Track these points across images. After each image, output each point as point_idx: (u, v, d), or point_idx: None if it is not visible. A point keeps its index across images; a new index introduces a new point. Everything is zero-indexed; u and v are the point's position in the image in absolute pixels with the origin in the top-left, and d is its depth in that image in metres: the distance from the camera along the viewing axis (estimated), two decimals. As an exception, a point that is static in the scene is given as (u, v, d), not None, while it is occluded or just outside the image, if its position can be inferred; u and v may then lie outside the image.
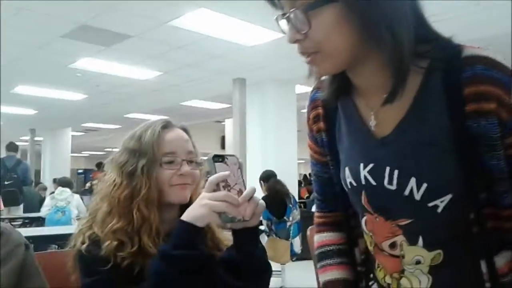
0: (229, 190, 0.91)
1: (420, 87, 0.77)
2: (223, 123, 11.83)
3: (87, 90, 8.02)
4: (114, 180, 1.07)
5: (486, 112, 0.71)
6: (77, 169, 19.76)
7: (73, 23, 4.66)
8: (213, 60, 6.06)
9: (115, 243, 0.99)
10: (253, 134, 7.15)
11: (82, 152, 21.57)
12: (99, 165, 11.56)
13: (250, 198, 0.92)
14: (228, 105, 8.98)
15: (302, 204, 7.63)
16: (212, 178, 0.91)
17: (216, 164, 0.92)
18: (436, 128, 0.75)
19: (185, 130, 1.16)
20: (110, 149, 18.32)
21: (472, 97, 0.72)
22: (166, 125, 1.12)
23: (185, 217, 0.91)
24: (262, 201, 0.95)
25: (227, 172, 0.92)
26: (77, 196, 6.51)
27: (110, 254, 0.98)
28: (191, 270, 0.89)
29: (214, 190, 0.90)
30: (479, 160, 0.74)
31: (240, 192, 0.92)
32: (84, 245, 1.00)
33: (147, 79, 7.06)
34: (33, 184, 9.35)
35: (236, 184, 0.93)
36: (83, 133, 15.07)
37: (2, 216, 6.04)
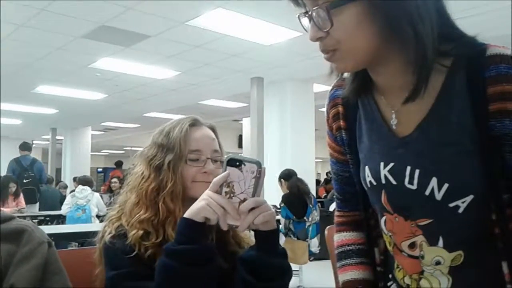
0: (231, 197, 0.91)
1: (443, 86, 0.76)
2: (240, 122, 11.84)
3: (107, 90, 8.12)
4: (143, 173, 1.12)
5: (510, 111, 0.70)
6: (97, 168, 20.03)
7: (93, 24, 4.72)
8: (231, 59, 6.08)
9: (141, 232, 1.02)
10: (270, 133, 7.15)
11: (102, 151, 21.85)
12: (118, 164, 11.70)
13: (252, 209, 0.91)
14: (246, 104, 8.99)
15: (319, 204, 7.61)
16: (215, 179, 0.92)
17: (229, 168, 0.91)
18: (458, 127, 0.75)
19: (212, 129, 1.19)
20: (129, 148, 18.51)
21: (496, 96, 0.71)
22: (194, 123, 1.15)
23: (186, 213, 0.94)
24: (270, 212, 0.94)
25: (225, 173, 0.91)
26: (97, 194, 6.61)
27: (136, 243, 1.01)
28: (194, 263, 0.91)
29: (217, 192, 0.92)
30: (502, 160, 0.73)
31: (243, 201, 0.91)
32: (110, 235, 1.04)
33: (165, 78, 7.12)
34: (54, 182, 9.52)
35: (242, 192, 0.91)
36: (102, 132, 15.27)
37: (24, 214, 6.16)
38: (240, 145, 11.76)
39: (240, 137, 11.78)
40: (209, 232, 1.02)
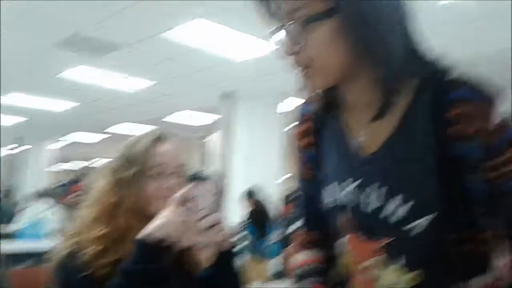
0: (191, 214, 0.91)
1: (408, 105, 0.77)
2: (208, 137, 11.79)
3: (75, 100, 7.94)
4: (104, 187, 1.10)
5: (470, 134, 0.72)
6: (59, 181, 19.44)
7: (63, 33, 4.62)
8: (202, 73, 6.05)
9: (99, 248, 1.00)
10: (238, 149, 7.13)
11: (66, 164, 21.28)
12: (78, 178, 11.37)
13: (212, 226, 0.91)
14: (214, 120, 8.97)
15: (283, 222, 7.61)
16: (176, 195, 0.92)
17: (191, 184, 0.92)
18: (422, 147, 0.76)
19: (179, 143, 1.19)
20: (95, 160, 18.10)
21: (456, 119, 0.72)
22: (159, 137, 1.13)
23: (145, 231, 0.93)
24: (227, 230, 0.95)
25: (186, 189, 0.92)
26: (56, 209, 6.38)
27: (92, 261, 0.98)
28: (150, 283, 0.90)
29: (178, 208, 0.91)
30: (461, 181, 0.75)
31: (203, 218, 0.91)
32: (64, 253, 1.01)
33: (135, 90, 7.02)
34: (11, 196, 9.17)
35: (202, 209, 0.91)
36: (67, 144, 14.90)
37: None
38: (207, 161, 11.67)
39: (207, 152, 11.70)
40: (167, 250, 1.00)
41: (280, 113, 7.43)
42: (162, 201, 1.05)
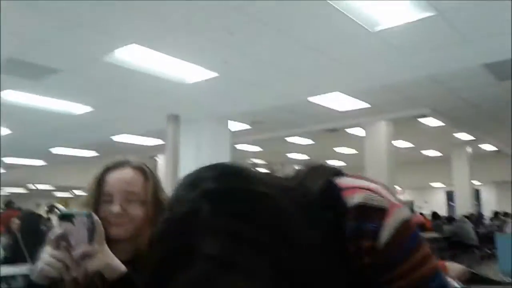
0: (69, 250, 0.96)
1: None
2: (155, 159, 11.64)
3: (11, 124, 7.64)
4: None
5: (368, 262, 0.71)
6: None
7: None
8: (147, 96, 6.04)
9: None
10: (186, 171, 7.05)
11: (1, 189, 20.18)
12: (9, 204, 10.76)
13: (85, 257, 0.96)
14: (161, 141, 8.88)
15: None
16: (50, 235, 0.98)
17: (62, 223, 0.97)
18: None
19: (139, 169, 1.24)
20: (32, 186, 17.28)
21: (355, 252, 0.70)
22: (112, 166, 1.21)
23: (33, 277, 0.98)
24: (102, 259, 0.99)
25: (58, 229, 0.97)
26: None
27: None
28: None
29: (55, 247, 0.97)
30: None
31: (77, 253, 0.96)
32: None
33: (78, 113, 6.87)
34: None
35: (78, 244, 0.97)
36: (3, 170, 14.17)
37: None
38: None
39: (159, 173, 11.53)
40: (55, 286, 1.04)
41: (227, 133, 7.51)
42: (114, 226, 1.13)
